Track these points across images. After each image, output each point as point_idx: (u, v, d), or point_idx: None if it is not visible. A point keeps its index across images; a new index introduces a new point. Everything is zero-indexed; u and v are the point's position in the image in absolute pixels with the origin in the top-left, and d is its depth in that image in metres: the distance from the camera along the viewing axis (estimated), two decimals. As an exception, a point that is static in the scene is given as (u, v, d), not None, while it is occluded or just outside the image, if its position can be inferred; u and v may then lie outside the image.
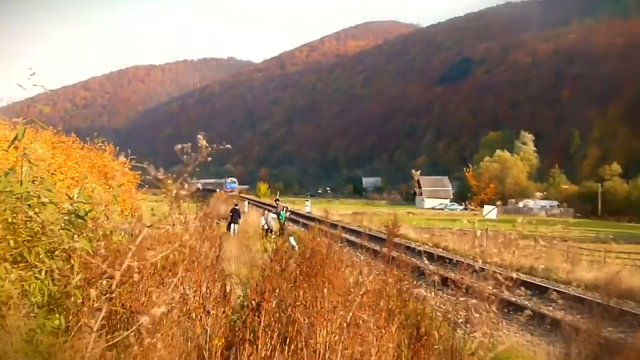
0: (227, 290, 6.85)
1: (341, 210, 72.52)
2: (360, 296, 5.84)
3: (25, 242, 5.61)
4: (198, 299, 5.86)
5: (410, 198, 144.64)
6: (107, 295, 4.80)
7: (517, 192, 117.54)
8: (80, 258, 5.84)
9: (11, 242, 5.51)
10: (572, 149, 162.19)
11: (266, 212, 35.38)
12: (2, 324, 4.93)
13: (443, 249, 29.91)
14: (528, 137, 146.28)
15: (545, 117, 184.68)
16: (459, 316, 5.27)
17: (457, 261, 16.07)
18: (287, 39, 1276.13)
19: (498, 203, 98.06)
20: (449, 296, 5.95)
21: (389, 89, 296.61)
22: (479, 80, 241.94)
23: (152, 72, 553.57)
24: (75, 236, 5.93)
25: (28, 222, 5.77)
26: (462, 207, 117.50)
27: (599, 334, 5.54)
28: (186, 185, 5.21)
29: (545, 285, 19.17)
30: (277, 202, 41.44)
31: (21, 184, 5.80)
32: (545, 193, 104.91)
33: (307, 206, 74.96)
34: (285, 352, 5.66)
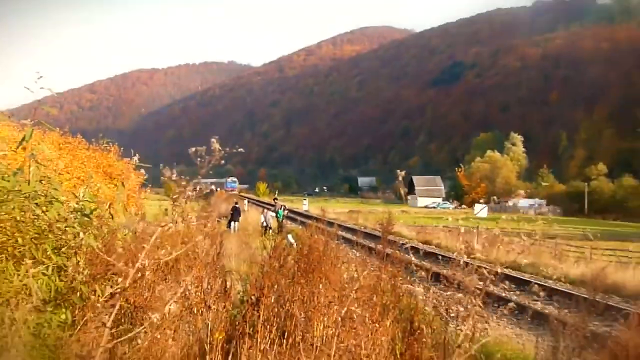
0: (228, 286, 6.84)
1: (337, 209, 72.54)
2: (354, 291, 5.84)
3: (32, 240, 5.61)
4: (200, 294, 5.86)
5: (408, 197, 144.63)
6: (118, 291, 4.80)
7: (507, 191, 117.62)
8: (86, 254, 5.84)
9: (19, 239, 5.51)
10: (560, 150, 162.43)
11: (265, 210, 35.36)
12: (11, 318, 4.93)
13: (436, 246, 29.94)
14: (517, 138, 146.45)
15: (534, 119, 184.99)
16: (449, 310, 5.26)
17: (444, 256, 16.13)
18: (285, 44, 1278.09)
19: (481, 201, 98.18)
20: (440, 291, 5.93)
21: (383, 92, 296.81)
22: (470, 84, 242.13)
23: (155, 75, 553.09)
24: (81, 233, 5.94)
25: (35, 220, 5.76)
26: (453, 206, 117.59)
27: (585, 328, 5.54)
28: (198, 187, 5.23)
29: (528, 279, 19.20)
30: (275, 201, 41.34)
31: (29, 184, 5.80)
32: (529, 191, 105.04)
33: (305, 205, 74.94)
34: (284, 345, 5.67)
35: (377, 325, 5.97)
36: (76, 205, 6.28)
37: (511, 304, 5.54)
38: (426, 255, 19.37)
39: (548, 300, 15.83)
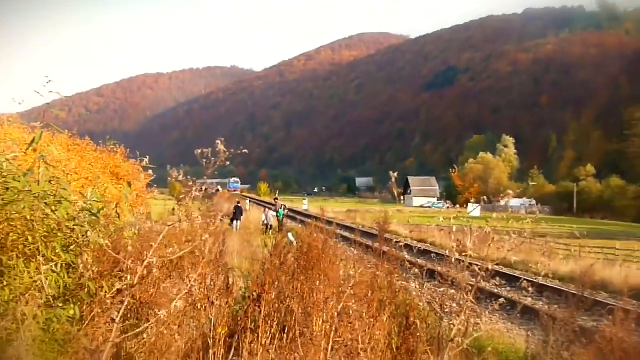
0: (230, 283, 6.84)
1: (336, 208, 72.51)
2: (350, 288, 5.85)
3: (42, 238, 5.61)
4: (203, 290, 5.85)
5: (402, 197, 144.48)
6: (126, 288, 4.81)
7: (499, 191, 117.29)
8: (94, 252, 5.85)
9: (29, 237, 5.52)
10: (550, 151, 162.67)
11: (267, 209, 35.34)
12: (22, 313, 4.93)
13: (430, 244, 29.92)
14: (509, 140, 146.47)
15: (525, 122, 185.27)
16: (443, 306, 5.27)
17: (438, 254, 16.12)
18: (285, 49, 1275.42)
19: (472, 201, 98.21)
20: (435, 287, 5.94)
21: (380, 95, 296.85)
22: (464, 88, 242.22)
23: (160, 79, 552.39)
24: (89, 232, 5.94)
25: (45, 219, 5.76)
26: (447, 206, 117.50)
27: (574, 323, 5.55)
28: (204, 187, 5.24)
29: (519, 276, 19.19)
30: (276, 200, 41.38)
31: (39, 184, 5.80)
32: (518, 191, 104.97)
33: (305, 204, 74.93)
34: (284, 339, 5.67)
35: (374, 320, 5.98)
36: (84, 205, 6.27)
37: (502, 300, 5.56)
38: (421, 253, 19.38)
39: (538, 296, 15.84)
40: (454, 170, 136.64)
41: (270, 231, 29.93)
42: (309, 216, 41.79)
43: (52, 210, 5.81)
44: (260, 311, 5.81)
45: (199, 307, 5.81)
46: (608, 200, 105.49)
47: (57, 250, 5.62)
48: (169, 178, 5.35)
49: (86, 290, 5.60)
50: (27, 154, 6.72)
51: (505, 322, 12.91)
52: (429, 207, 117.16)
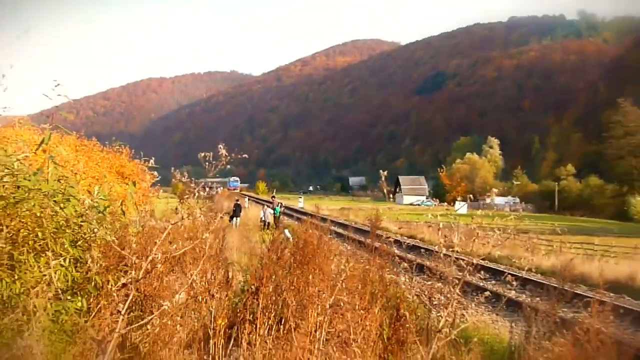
0: (230, 277, 6.85)
1: (330, 206, 72.50)
2: (341, 282, 5.86)
3: (51, 234, 5.61)
4: (204, 284, 5.86)
5: (391, 195, 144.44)
6: (131, 282, 4.81)
7: (485, 190, 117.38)
8: (100, 247, 5.85)
9: (39, 233, 5.51)
10: (533, 152, 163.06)
11: (266, 207, 35.27)
12: (32, 305, 4.93)
13: (420, 240, 29.96)
14: (494, 141, 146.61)
15: (510, 124, 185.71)
16: (431, 298, 5.28)
17: (427, 249, 16.14)
18: (282, 55, 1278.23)
19: (459, 199, 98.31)
20: (424, 280, 5.95)
21: (372, 99, 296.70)
22: (451, 92, 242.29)
23: (164, 83, 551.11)
24: (96, 228, 5.94)
25: (54, 216, 5.76)
26: (436, 204, 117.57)
27: (555, 314, 5.57)
28: (207, 188, 5.24)
29: (503, 270, 19.22)
30: (273, 198, 41.29)
31: (48, 183, 5.80)
32: (502, 189, 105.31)
33: (301, 202, 74.91)
34: (281, 330, 5.68)
35: (366, 312, 5.99)
36: (91, 203, 6.27)
37: (487, 292, 5.58)
38: (410, 248, 19.42)
39: (521, 289, 15.87)
40: (442, 170, 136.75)
41: (267, 229, 29.91)
42: (305, 213, 41.70)
43: (60, 208, 5.81)
44: (258, 303, 5.81)
45: (200, 300, 5.82)
46: (587, 198, 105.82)
47: (65, 246, 5.62)
48: (173, 179, 5.37)
49: (93, 283, 5.61)
50: (37, 154, 6.71)
51: (491, 313, 12.94)
52: (418, 205, 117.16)
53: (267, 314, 5.77)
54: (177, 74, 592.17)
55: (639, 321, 11.42)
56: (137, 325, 5.07)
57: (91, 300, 5.56)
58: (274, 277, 6.11)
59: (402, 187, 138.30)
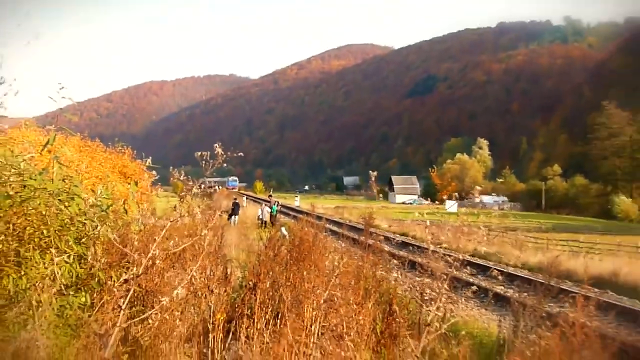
0: (228, 273, 6.85)
1: (325, 205, 72.49)
2: (334, 277, 5.87)
3: (56, 231, 5.62)
4: (203, 280, 5.86)
5: (384, 194, 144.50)
6: (132, 278, 4.81)
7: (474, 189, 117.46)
8: (103, 244, 5.86)
9: (44, 231, 5.52)
10: (520, 153, 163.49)
11: (264, 205, 35.22)
12: (37, 300, 4.94)
13: (412, 237, 29.99)
14: (483, 143, 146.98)
15: (498, 126, 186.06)
16: (423, 293, 5.29)
17: (418, 246, 16.16)
18: (279, 59, 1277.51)
19: (444, 197, 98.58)
20: (415, 276, 5.96)
21: (366, 101, 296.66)
22: (442, 95, 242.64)
23: (165, 86, 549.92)
24: (99, 226, 5.95)
25: (59, 214, 5.76)
26: (427, 202, 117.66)
27: (541, 309, 5.59)
28: (203, 186, 5.26)
29: (492, 266, 19.27)
30: (270, 197, 41.26)
31: (53, 182, 5.80)
32: (483, 188, 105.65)
33: (297, 201, 74.86)
34: (278, 324, 5.69)
35: (359, 307, 6.00)
36: (94, 201, 6.27)
37: (474, 287, 5.60)
38: (402, 245, 19.43)
39: (509, 284, 15.92)
40: (433, 170, 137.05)
41: (265, 226, 29.87)
42: (301, 212, 41.74)
43: (65, 206, 5.81)
44: (256, 299, 5.82)
45: (200, 295, 5.82)
46: (573, 197, 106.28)
47: (70, 243, 5.63)
48: (171, 178, 5.38)
49: (96, 279, 5.62)
50: (42, 154, 6.71)
51: (480, 308, 12.95)
52: (410, 203, 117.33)
53: (264, 308, 5.78)
54: (178, 77, 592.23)
55: (621, 315, 11.47)
56: (138, 319, 5.08)
57: (94, 295, 5.57)
58: (271, 273, 6.11)
59: (394, 186, 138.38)
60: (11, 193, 5.52)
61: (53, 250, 5.34)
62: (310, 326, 5.49)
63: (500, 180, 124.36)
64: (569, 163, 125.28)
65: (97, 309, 5.32)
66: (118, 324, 4.55)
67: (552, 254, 23.96)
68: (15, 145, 7.16)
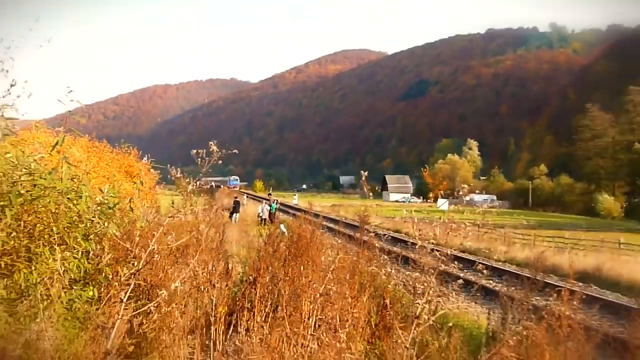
0: (229, 268, 6.86)
1: (322, 203, 72.40)
2: (331, 272, 5.88)
3: (65, 228, 5.62)
4: (205, 274, 5.87)
5: (374, 192, 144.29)
6: (134, 272, 4.82)
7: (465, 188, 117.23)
8: (110, 241, 5.86)
9: (54, 228, 5.53)
10: (509, 154, 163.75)
11: (264, 202, 35.18)
12: (47, 294, 4.95)
13: (405, 234, 30.00)
14: (473, 144, 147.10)
15: (487, 128, 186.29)
16: (415, 287, 5.30)
17: (412, 243, 16.17)
18: (278, 63, 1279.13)
19: (431, 195, 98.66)
20: (408, 271, 5.98)
21: (361, 104, 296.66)
22: (434, 98, 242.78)
23: (169, 90, 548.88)
24: (106, 223, 5.96)
25: (68, 212, 5.77)
26: (420, 201, 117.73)
27: (528, 302, 5.61)
28: (199, 183, 5.25)
29: (481, 262, 19.30)
30: (269, 196, 41.22)
31: (62, 181, 5.80)
32: (470, 186, 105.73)
33: (295, 199, 74.82)
34: (277, 317, 5.70)
35: (355, 300, 6.02)
36: (102, 200, 6.28)
37: (460, 280, 5.62)
38: (395, 241, 19.45)
39: (498, 279, 15.96)
40: (425, 170, 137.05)
41: (265, 224, 29.84)
42: (299, 210, 41.71)
43: (73, 204, 5.82)
44: (256, 293, 5.83)
45: (202, 289, 5.83)
46: (558, 195, 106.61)
47: (78, 239, 5.63)
48: (169, 176, 5.39)
49: (103, 274, 5.63)
50: (52, 155, 6.71)
51: (469, 301, 12.97)
52: (404, 202, 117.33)
53: (263, 302, 5.79)
54: (182, 81, 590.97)
55: (604, 308, 11.51)
56: (140, 312, 5.09)
57: (101, 289, 5.58)
58: (270, 268, 6.13)
59: (388, 185, 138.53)
60: (22, 192, 5.53)
61: (62, 247, 5.36)
62: (308, 319, 5.50)
63: (484, 178, 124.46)
64: (554, 163, 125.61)
65: (104, 302, 5.34)
66: (120, 317, 4.56)
67: (539, 249, 24.02)
68: (26, 146, 7.17)
